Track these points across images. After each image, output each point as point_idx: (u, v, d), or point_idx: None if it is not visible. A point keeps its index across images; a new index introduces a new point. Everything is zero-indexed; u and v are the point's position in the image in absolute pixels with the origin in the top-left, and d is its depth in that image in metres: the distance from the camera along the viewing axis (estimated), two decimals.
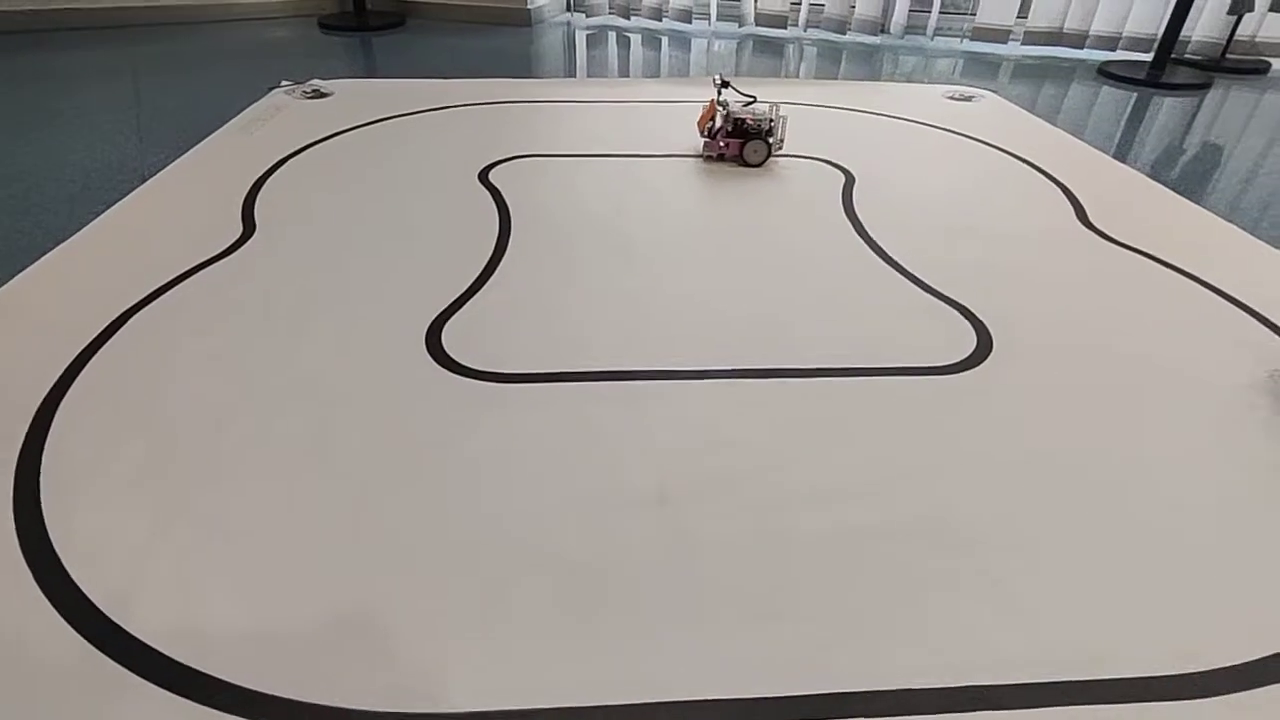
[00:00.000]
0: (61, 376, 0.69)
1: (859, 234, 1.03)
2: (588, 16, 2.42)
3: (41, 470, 0.58)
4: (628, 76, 1.92)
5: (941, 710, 0.44)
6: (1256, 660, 0.47)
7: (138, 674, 0.44)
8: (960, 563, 0.53)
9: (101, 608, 0.48)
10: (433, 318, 0.80)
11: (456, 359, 0.74)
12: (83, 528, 0.54)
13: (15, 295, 0.82)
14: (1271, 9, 1.98)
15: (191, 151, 1.23)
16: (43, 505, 0.55)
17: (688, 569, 0.52)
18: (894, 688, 0.45)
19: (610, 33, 2.37)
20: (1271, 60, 2.14)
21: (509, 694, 0.44)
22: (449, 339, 0.77)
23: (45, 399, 0.66)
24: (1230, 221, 1.10)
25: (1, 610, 0.48)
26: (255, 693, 0.43)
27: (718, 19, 2.42)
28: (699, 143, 1.29)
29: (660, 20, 2.37)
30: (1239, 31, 2.10)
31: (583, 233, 1.01)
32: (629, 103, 1.57)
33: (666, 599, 0.50)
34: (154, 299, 0.82)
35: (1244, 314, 0.86)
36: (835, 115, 1.53)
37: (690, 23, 2.36)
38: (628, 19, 2.40)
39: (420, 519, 0.56)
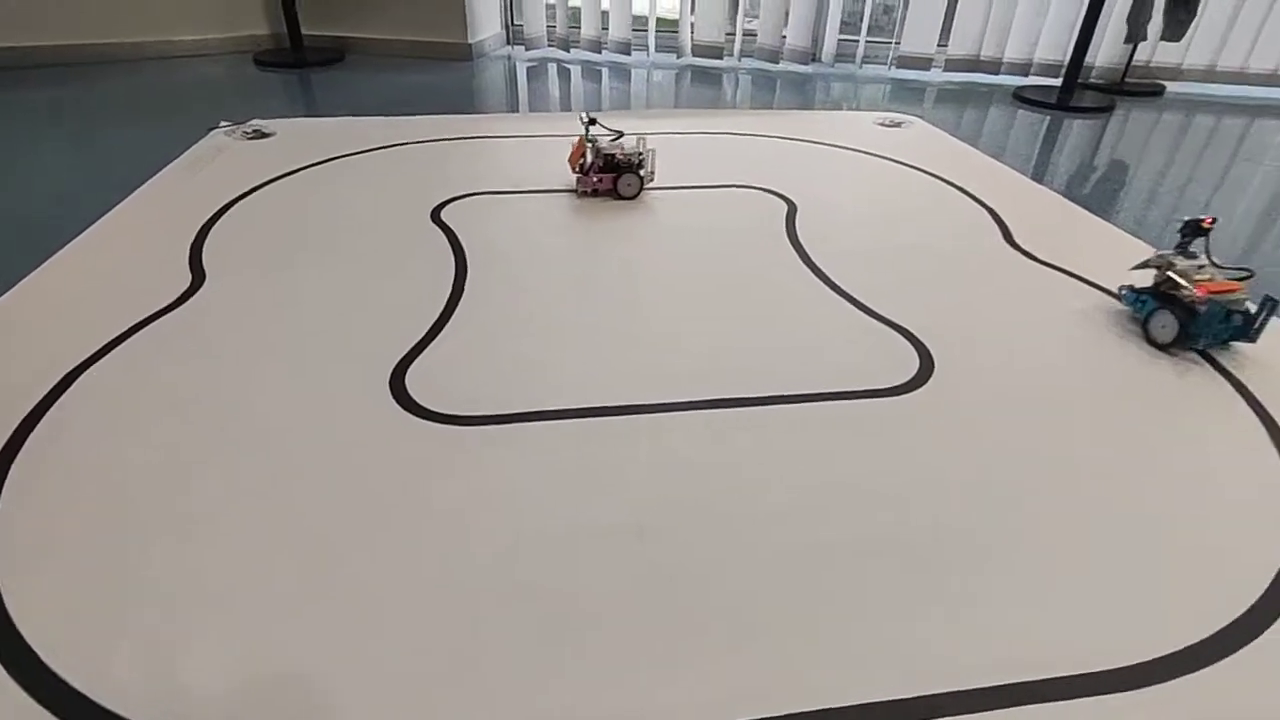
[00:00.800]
0: (10, 440, 0.67)
1: (804, 262, 1.08)
2: (528, 49, 2.45)
3: None
4: (569, 110, 1.95)
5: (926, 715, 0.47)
6: (1189, 646, 0.52)
7: None
8: (921, 575, 0.57)
9: (69, 680, 0.47)
10: (395, 362, 0.81)
11: (422, 403, 0.75)
12: (41, 598, 0.52)
13: None
14: (1163, 38, 2.16)
15: (133, 196, 1.20)
16: None
17: (669, 598, 0.54)
18: (877, 700, 0.48)
19: (551, 65, 2.41)
20: (1165, 83, 2.32)
21: None
22: (413, 383, 0.78)
23: None
24: (1138, 237, 1.19)
25: None
26: None
27: (656, 50, 2.49)
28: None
29: (600, 53, 2.43)
30: (1135, 57, 2.27)
31: (536, 270, 1.03)
32: (573, 137, 1.60)
33: (652, 629, 0.52)
34: (103, 355, 0.80)
35: None
36: (775, 144, 1.60)
37: (629, 54, 2.42)
38: (567, 51, 2.45)
39: (397, 563, 0.56)
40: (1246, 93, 2.31)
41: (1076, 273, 1.06)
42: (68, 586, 0.54)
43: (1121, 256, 1.01)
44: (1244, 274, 0.86)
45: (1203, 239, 0.90)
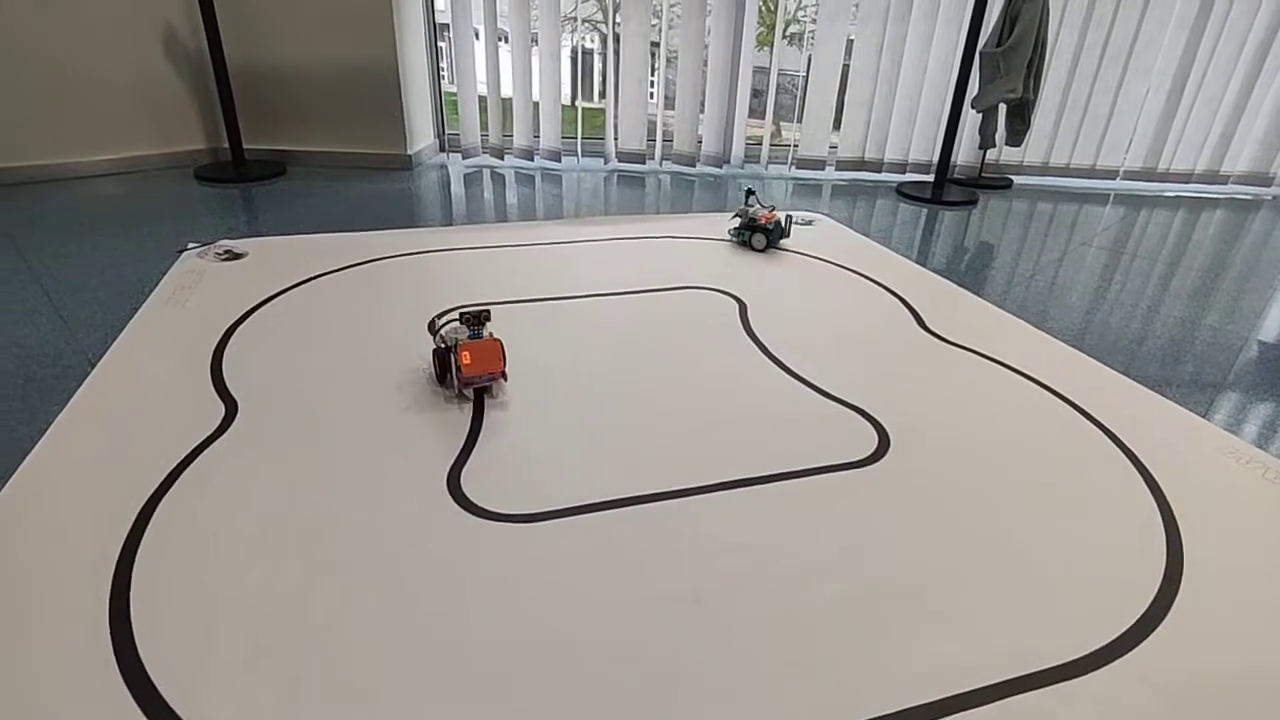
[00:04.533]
0: (115, 575, 0.73)
1: (764, 353, 1.27)
2: (464, 158, 2.63)
3: (151, 678, 0.63)
4: (513, 218, 2.13)
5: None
6: (1117, 638, 0.71)
7: None
8: (914, 604, 0.74)
9: None
10: (448, 468, 0.92)
11: (479, 504, 0.86)
12: (227, 712, 0.60)
13: (17, 500, 0.83)
14: (1006, 144, 2.61)
15: (129, 329, 1.25)
16: (172, 706, 0.60)
17: (728, 650, 0.68)
18: (902, 707, 0.63)
19: (485, 171, 2.59)
20: (1012, 177, 2.79)
21: None
22: (467, 486, 0.89)
23: (111, 606, 0.70)
24: (1010, 312, 1.48)
25: None
26: None
27: (583, 155, 2.73)
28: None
29: (532, 159, 2.64)
30: (988, 157, 2.73)
31: (538, 377, 1.16)
32: (540, 245, 1.77)
33: (717, 678, 0.65)
34: (171, 483, 0.86)
35: (1041, 389, 1.18)
36: (709, 246, 1.83)
37: (560, 160, 2.65)
38: (501, 159, 2.64)
39: (504, 644, 0.67)
40: (1072, 183, 2.81)
41: (980, 350, 1.31)
42: (235, 700, 0.61)
43: (1004, 332, 1.26)
44: (772, 206, 1.83)
45: (754, 197, 1.84)
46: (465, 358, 1.03)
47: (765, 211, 1.81)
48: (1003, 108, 2.53)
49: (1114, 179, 2.81)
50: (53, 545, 0.77)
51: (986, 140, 2.56)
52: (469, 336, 1.06)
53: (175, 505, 0.83)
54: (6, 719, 0.58)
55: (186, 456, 0.92)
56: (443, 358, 1.08)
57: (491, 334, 1.08)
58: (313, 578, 0.74)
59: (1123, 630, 0.72)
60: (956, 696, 0.64)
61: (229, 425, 0.99)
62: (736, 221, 1.83)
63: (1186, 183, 2.80)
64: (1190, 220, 2.43)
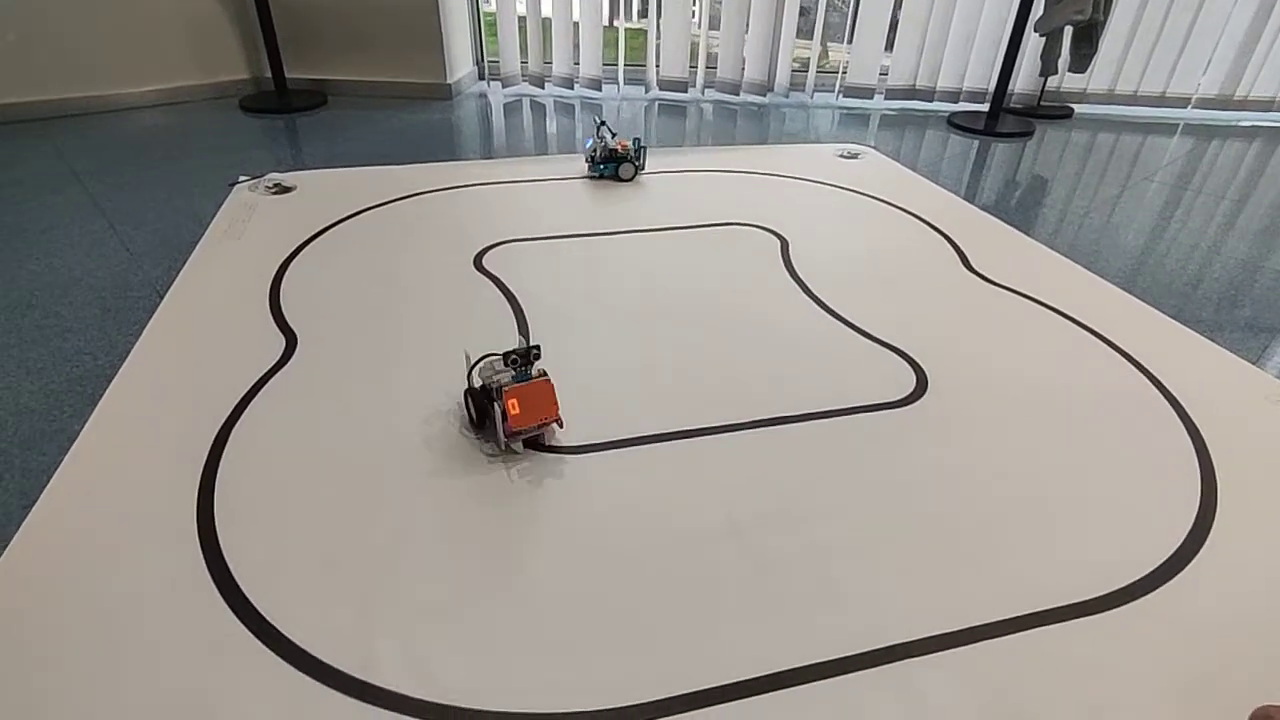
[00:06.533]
0: (199, 495, 0.80)
1: (804, 292, 1.28)
2: (504, 86, 2.59)
3: (240, 586, 0.70)
4: (551, 151, 2.11)
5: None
6: (1145, 576, 0.73)
7: None
8: (943, 541, 0.77)
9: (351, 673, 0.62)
10: None
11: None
12: (306, 616, 0.67)
13: (107, 427, 0.91)
14: (1070, 70, 2.47)
15: (190, 262, 1.30)
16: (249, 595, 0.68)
17: (762, 581, 0.72)
18: (936, 633, 0.67)
19: (525, 101, 2.56)
20: (1073, 106, 2.64)
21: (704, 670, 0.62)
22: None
23: (199, 522, 0.77)
24: (1058, 252, 1.44)
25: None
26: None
27: (625, 84, 2.66)
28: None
29: (572, 88, 2.59)
30: (1047, 84, 2.58)
31: (578, 312, 1.19)
32: (579, 179, 1.77)
33: (752, 607, 0.70)
34: (241, 411, 0.93)
35: (1086, 333, 1.17)
36: (754, 181, 1.80)
37: (600, 89, 2.59)
38: (541, 87, 2.60)
39: (550, 572, 0.72)
40: (1138, 112, 2.66)
41: (1024, 291, 1.29)
42: (322, 601, 0.68)
43: (1051, 274, 1.24)
44: (630, 139, 1.75)
45: (605, 127, 1.78)
46: (513, 407, 0.84)
47: (620, 141, 1.74)
48: (1069, 30, 2.38)
49: (1185, 107, 2.64)
50: (141, 469, 0.84)
51: (1048, 66, 2.42)
52: (514, 380, 0.87)
53: (247, 432, 0.90)
54: (117, 623, 0.66)
55: (254, 386, 0.98)
56: (480, 402, 0.89)
57: (542, 372, 0.88)
58: (373, 502, 0.80)
59: (1147, 572, 0.75)
60: (973, 628, 0.68)
61: (290, 356, 1.05)
62: (595, 153, 1.74)
63: (1266, 111, 2.62)
64: (1266, 153, 2.29)
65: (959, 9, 2.48)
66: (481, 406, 0.89)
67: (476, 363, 0.91)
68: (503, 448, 0.87)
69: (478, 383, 0.90)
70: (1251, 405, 1.02)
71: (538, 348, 0.87)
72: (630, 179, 1.75)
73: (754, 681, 0.63)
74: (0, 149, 1.90)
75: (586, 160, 1.78)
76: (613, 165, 1.75)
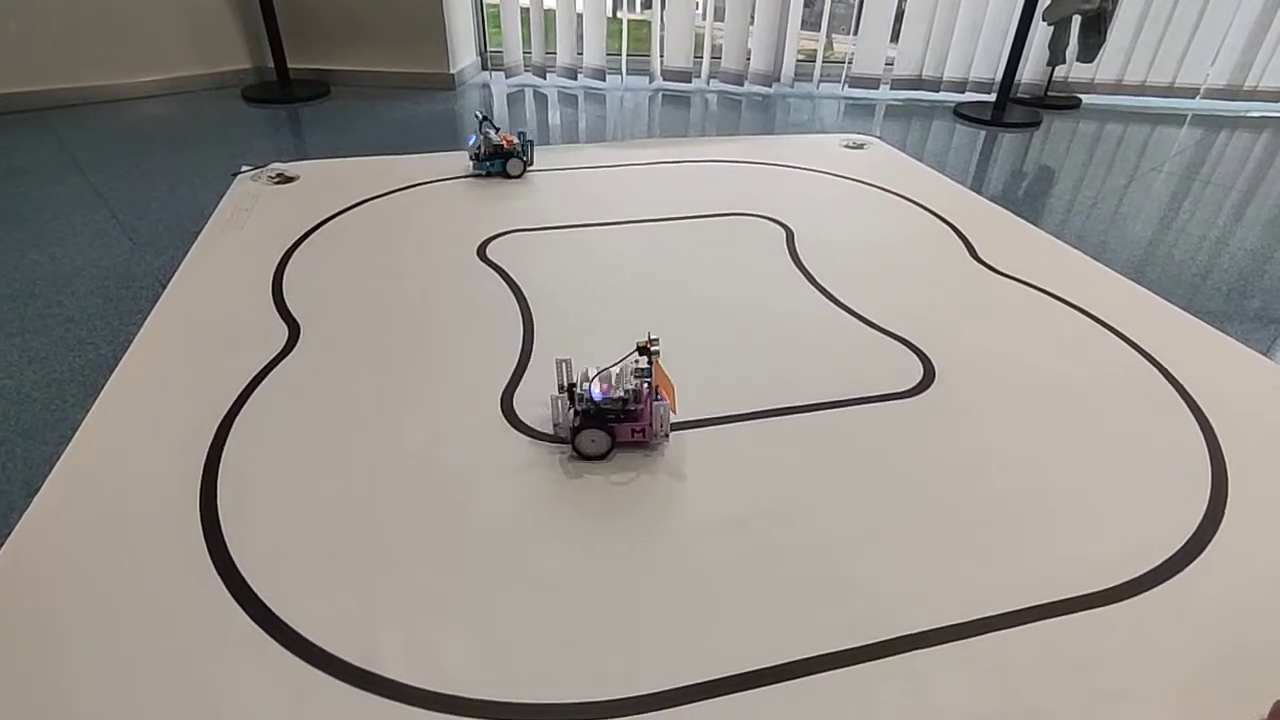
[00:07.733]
0: (202, 484, 0.79)
1: (810, 282, 1.27)
2: (507, 77, 2.57)
3: (243, 575, 0.70)
4: (551, 141, 2.10)
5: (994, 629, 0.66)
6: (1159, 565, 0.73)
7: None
8: (950, 532, 0.76)
9: (354, 662, 0.61)
10: (500, 391, 0.96)
11: (529, 424, 0.90)
12: (309, 606, 0.66)
13: (110, 414, 0.90)
14: (1078, 60, 2.45)
15: (193, 252, 1.30)
16: (252, 586, 0.67)
17: (769, 571, 0.72)
18: (943, 624, 0.66)
19: (528, 91, 2.54)
20: (1081, 96, 2.62)
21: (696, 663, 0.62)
22: (518, 407, 0.93)
23: (202, 510, 0.76)
24: (1066, 242, 1.43)
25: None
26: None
27: (628, 74, 2.65)
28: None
29: (575, 79, 2.57)
30: (1055, 74, 2.56)
31: (585, 302, 1.18)
32: (583, 169, 1.75)
33: (758, 597, 0.69)
34: (244, 400, 0.92)
35: (1094, 323, 1.16)
36: (758, 171, 1.79)
37: (604, 80, 2.57)
38: (544, 78, 2.58)
39: (555, 560, 0.72)
40: (1146, 102, 2.63)
41: (1032, 282, 1.28)
42: (322, 590, 0.67)
43: (1058, 264, 1.23)
44: (515, 134, 1.68)
45: (488, 122, 1.68)
46: (668, 396, 0.84)
47: (505, 135, 1.67)
48: (1076, 19, 2.35)
49: (1193, 98, 2.62)
50: (144, 458, 0.83)
51: (1056, 56, 2.40)
52: (643, 373, 0.85)
53: (250, 422, 0.89)
54: (121, 612, 0.66)
55: (257, 375, 0.97)
56: (605, 422, 0.83)
57: (650, 358, 0.86)
58: (376, 491, 0.80)
59: (1158, 563, 0.74)
60: (983, 619, 0.67)
61: (293, 346, 1.04)
62: (479, 150, 1.65)
63: (1275, 101, 2.60)
64: (1275, 143, 2.27)
65: None
66: (630, 412, 0.83)
67: (597, 375, 0.85)
68: (656, 441, 0.86)
69: (596, 395, 0.83)
70: (1262, 396, 1.01)
71: (657, 340, 0.84)
72: (519, 175, 1.67)
73: (761, 672, 0.62)
74: (2, 139, 1.89)
75: (471, 158, 1.68)
76: (499, 161, 1.66)
